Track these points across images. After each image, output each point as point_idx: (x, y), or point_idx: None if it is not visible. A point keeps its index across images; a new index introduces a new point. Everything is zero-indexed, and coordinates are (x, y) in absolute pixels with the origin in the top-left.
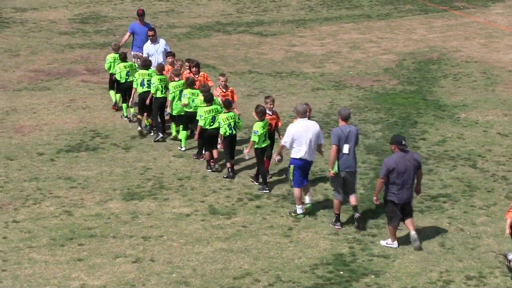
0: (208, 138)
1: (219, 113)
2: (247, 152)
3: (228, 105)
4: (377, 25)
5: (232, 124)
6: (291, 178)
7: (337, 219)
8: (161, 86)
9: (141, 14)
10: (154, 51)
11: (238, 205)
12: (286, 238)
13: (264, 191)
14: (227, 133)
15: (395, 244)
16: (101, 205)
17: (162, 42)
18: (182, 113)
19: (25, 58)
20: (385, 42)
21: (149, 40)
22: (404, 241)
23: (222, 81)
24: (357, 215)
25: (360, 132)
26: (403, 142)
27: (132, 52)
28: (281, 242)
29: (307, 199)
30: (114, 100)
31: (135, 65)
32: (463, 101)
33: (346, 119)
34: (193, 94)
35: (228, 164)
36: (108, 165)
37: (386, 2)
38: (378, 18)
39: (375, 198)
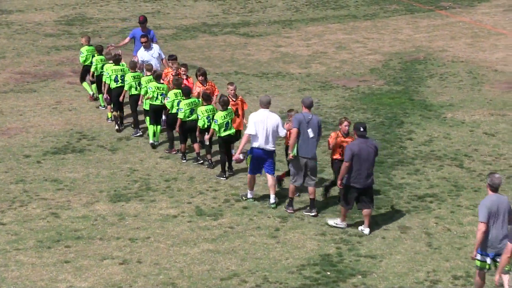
0: (187, 131)
1: (198, 106)
2: (207, 138)
3: (207, 98)
4: (363, 25)
5: (211, 116)
6: (248, 165)
7: (290, 203)
8: (135, 83)
9: (142, 21)
10: (149, 57)
11: (225, 206)
12: (273, 239)
13: (222, 178)
14: (205, 125)
15: (344, 224)
16: (87, 207)
17: (156, 47)
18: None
19: (11, 60)
20: (371, 42)
21: (142, 47)
22: (391, 241)
23: (232, 90)
24: (313, 213)
25: (322, 123)
26: (361, 129)
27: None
28: (268, 243)
29: (272, 199)
30: (91, 92)
31: (127, 69)
32: (450, 101)
33: (308, 107)
34: (158, 88)
35: (209, 156)
36: (94, 167)
37: (372, 2)
38: (364, 18)
39: (339, 182)
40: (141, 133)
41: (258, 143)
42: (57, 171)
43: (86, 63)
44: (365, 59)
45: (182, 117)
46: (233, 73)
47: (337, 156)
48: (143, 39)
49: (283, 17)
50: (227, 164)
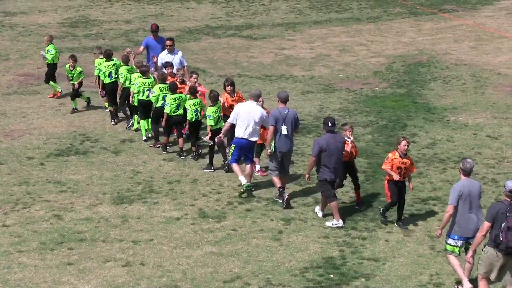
0: (173, 125)
1: (184, 101)
2: (208, 139)
3: (194, 92)
4: (367, 28)
5: (199, 110)
6: (230, 155)
7: (281, 193)
8: (130, 76)
9: (154, 30)
10: (169, 61)
11: (228, 209)
12: (276, 242)
13: (209, 170)
14: (193, 119)
15: (341, 222)
16: (91, 209)
17: (179, 53)
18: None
19: (14, 62)
20: (375, 45)
21: (166, 50)
22: (394, 244)
23: (260, 101)
24: (286, 195)
25: (298, 115)
26: (330, 124)
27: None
28: (271, 245)
29: (243, 180)
30: (58, 89)
31: (119, 63)
32: (453, 103)
33: (284, 101)
34: (143, 83)
35: (194, 148)
36: (97, 169)
37: (376, 5)
38: (368, 21)
39: (307, 176)
40: (132, 124)
41: (242, 134)
42: (60, 173)
43: (54, 62)
44: (369, 61)
45: (168, 111)
46: (236, 75)
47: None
48: (169, 42)
49: (287, 19)
50: (223, 160)
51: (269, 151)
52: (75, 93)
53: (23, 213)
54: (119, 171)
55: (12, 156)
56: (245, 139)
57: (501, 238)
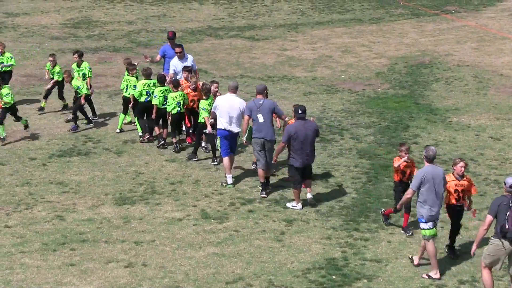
0: (159, 117)
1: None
2: (210, 130)
3: (176, 85)
4: (369, 29)
5: (181, 102)
6: (219, 148)
7: (263, 188)
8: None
9: (171, 37)
10: (181, 66)
11: (230, 210)
12: (278, 243)
13: (194, 159)
14: (175, 110)
15: (299, 206)
16: (93, 209)
17: (190, 58)
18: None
19: (16, 63)
20: (377, 46)
21: (176, 57)
22: (397, 245)
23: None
24: (269, 188)
25: (275, 105)
26: (300, 111)
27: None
28: (274, 246)
29: (230, 179)
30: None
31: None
32: (455, 105)
33: (260, 93)
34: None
35: (174, 140)
36: (100, 170)
37: (378, 6)
38: (370, 22)
39: (274, 158)
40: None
41: (224, 125)
42: (63, 174)
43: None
44: (371, 63)
45: (157, 103)
46: (238, 76)
47: (453, 202)
48: (178, 49)
49: (289, 20)
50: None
51: (244, 140)
52: (48, 93)
53: (25, 213)
54: (121, 172)
55: (15, 156)
56: (228, 130)
57: (507, 227)
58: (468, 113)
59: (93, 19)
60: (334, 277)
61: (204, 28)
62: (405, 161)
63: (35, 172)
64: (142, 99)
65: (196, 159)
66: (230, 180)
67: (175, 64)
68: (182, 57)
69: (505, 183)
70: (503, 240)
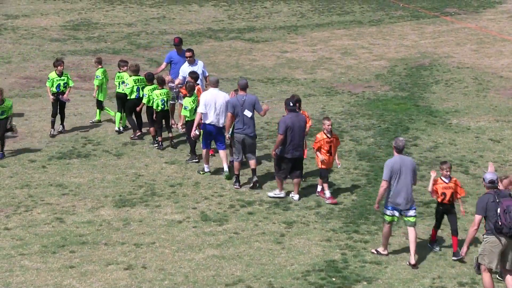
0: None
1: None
2: (180, 126)
3: (161, 82)
4: (369, 31)
5: (166, 99)
6: (201, 140)
7: (237, 179)
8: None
9: (177, 44)
10: (195, 70)
11: (230, 212)
12: (278, 245)
13: (193, 160)
14: (159, 108)
15: (282, 193)
16: (92, 212)
17: (200, 64)
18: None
19: (16, 65)
20: (377, 48)
21: (186, 62)
22: (396, 248)
23: (328, 125)
24: (255, 178)
25: (256, 100)
26: (291, 104)
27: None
28: (273, 248)
29: (225, 167)
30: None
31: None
32: (455, 107)
33: (243, 88)
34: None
35: (159, 138)
36: (99, 172)
37: (378, 8)
38: (370, 24)
39: (273, 152)
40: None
41: (210, 120)
42: (62, 176)
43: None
44: (371, 65)
45: (146, 102)
46: (238, 78)
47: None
48: (188, 53)
49: (289, 22)
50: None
51: (227, 135)
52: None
53: (25, 216)
54: (121, 174)
55: (14, 159)
56: (213, 125)
57: (500, 223)
58: (468, 115)
59: (93, 21)
60: (334, 279)
61: (204, 30)
62: (443, 180)
63: (34, 174)
64: (133, 96)
65: (196, 160)
66: (207, 169)
67: (185, 70)
68: (192, 62)
69: (484, 179)
70: (499, 236)
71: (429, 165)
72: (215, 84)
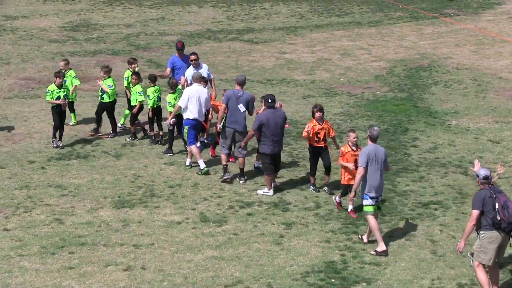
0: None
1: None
2: (170, 121)
3: (154, 79)
4: (368, 32)
5: (159, 96)
6: (186, 138)
7: (226, 170)
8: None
9: (180, 48)
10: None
11: (229, 213)
12: (277, 246)
13: (169, 154)
14: (155, 105)
15: (271, 192)
16: (92, 213)
17: (204, 67)
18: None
19: (15, 66)
20: (376, 49)
21: (191, 65)
22: (396, 249)
23: (354, 138)
24: (243, 180)
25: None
26: (269, 100)
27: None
28: (272, 249)
29: (202, 164)
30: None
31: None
32: (454, 108)
33: (240, 84)
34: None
35: (152, 133)
36: (99, 173)
37: (377, 9)
38: (369, 25)
39: (243, 144)
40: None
41: (193, 115)
42: (62, 177)
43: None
44: (370, 66)
45: (141, 99)
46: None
47: None
48: (193, 57)
49: (288, 23)
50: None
51: (219, 127)
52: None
53: (24, 217)
54: (120, 175)
55: (13, 160)
56: (196, 119)
57: (498, 218)
58: (467, 116)
59: (92, 22)
60: (333, 280)
61: (203, 31)
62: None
63: (34, 175)
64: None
65: (171, 153)
66: (202, 165)
67: (189, 74)
68: (197, 66)
69: (477, 175)
70: (498, 232)
71: (428, 166)
72: (199, 80)
